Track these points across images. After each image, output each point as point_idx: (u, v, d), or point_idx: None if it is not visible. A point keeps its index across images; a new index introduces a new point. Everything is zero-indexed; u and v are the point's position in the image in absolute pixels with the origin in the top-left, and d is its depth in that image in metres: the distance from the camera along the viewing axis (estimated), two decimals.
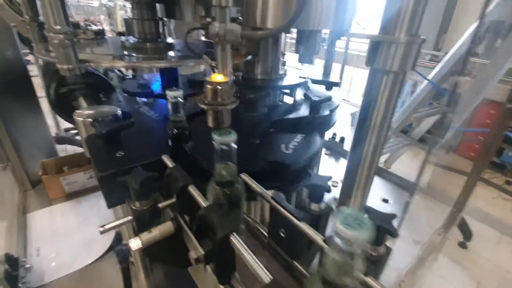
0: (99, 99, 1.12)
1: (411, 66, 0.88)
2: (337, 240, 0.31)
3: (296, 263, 0.56)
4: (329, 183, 1.45)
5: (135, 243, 0.48)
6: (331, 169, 1.58)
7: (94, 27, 1.23)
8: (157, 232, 0.51)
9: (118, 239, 1.09)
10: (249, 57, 0.90)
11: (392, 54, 0.86)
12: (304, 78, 1.09)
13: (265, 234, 0.61)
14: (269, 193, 0.56)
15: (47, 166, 1.44)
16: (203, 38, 1.32)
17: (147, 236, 0.50)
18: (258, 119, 0.83)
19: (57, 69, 1.10)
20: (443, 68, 1.96)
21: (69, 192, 1.42)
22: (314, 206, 0.59)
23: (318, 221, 0.57)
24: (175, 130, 0.70)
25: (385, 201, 1.33)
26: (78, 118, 0.84)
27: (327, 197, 0.84)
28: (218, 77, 0.47)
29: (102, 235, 0.55)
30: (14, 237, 1.12)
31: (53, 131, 1.98)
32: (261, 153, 0.74)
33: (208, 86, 0.47)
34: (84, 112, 0.87)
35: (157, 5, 0.91)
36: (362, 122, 1.04)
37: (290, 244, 0.56)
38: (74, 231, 1.21)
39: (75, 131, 2.01)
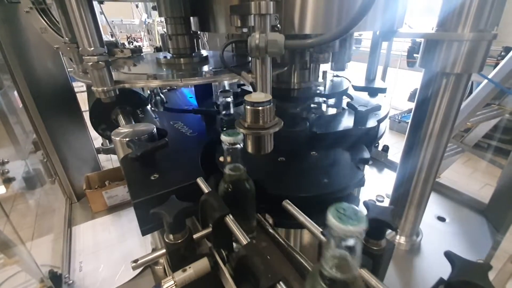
0: (137, 115, 1.13)
1: (479, 67, 0.75)
2: (332, 234, 0.29)
3: None
4: (373, 198, 1.32)
5: (169, 285, 0.44)
6: (374, 181, 1.44)
7: (131, 46, 1.25)
8: (192, 271, 0.46)
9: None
10: (285, 68, 0.84)
11: (454, 53, 0.74)
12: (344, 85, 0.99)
13: (308, 267, 0.53)
14: (319, 228, 0.48)
15: (91, 180, 1.50)
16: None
17: (181, 275, 0.45)
18: (298, 134, 0.75)
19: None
20: (507, 65, 1.71)
21: (110, 206, 1.46)
22: (372, 244, 0.50)
23: (378, 262, 0.48)
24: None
25: (441, 219, 1.17)
26: (115, 138, 0.84)
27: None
28: (258, 96, 0.41)
29: (141, 251, 0.52)
30: (59, 251, 1.16)
31: (97, 142, 2.09)
32: (303, 179, 0.67)
33: (248, 107, 0.41)
34: (121, 130, 0.87)
35: (191, 19, 0.88)
36: (415, 129, 0.92)
37: None
38: (114, 246, 1.23)
39: None
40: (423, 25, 0.88)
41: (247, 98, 0.41)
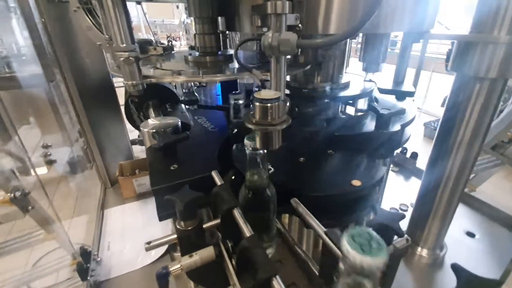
0: (166, 109, 1.20)
1: None
2: (347, 262, 0.26)
3: None
4: (396, 207, 1.26)
5: (174, 268, 0.47)
6: (399, 189, 1.38)
7: (169, 44, 1.32)
8: (197, 257, 0.49)
9: (173, 245, 1.13)
10: (308, 66, 0.84)
11: (489, 57, 0.69)
12: (369, 87, 0.96)
13: (315, 271, 0.53)
14: (323, 228, 0.48)
15: (124, 168, 1.62)
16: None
17: (187, 260, 0.48)
18: (315, 135, 0.75)
19: None
20: None
21: (139, 193, 1.56)
22: None
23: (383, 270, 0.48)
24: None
25: (470, 234, 1.09)
26: (143, 129, 0.90)
27: None
28: (267, 93, 0.42)
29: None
30: (92, 230, 1.27)
31: (133, 135, 2.24)
32: (317, 178, 0.67)
33: (257, 103, 0.42)
34: (149, 123, 0.93)
35: (219, 19, 0.92)
36: (444, 136, 0.87)
37: None
38: (139, 230, 1.31)
39: None
40: (462, 26, 0.83)
41: (256, 95, 0.42)
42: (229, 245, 0.52)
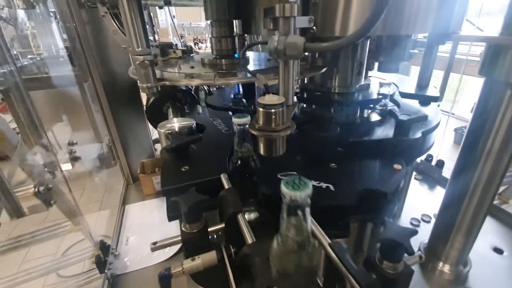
0: (184, 111, 1.23)
1: None
2: (285, 201, 0.34)
3: None
4: (418, 217, 1.20)
5: (177, 271, 0.48)
6: (423, 199, 1.31)
7: (196, 47, 1.35)
8: (200, 261, 0.49)
9: None
10: (324, 69, 0.82)
11: None
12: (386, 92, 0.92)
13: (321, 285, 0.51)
14: (328, 239, 0.47)
15: (145, 166, 1.67)
16: None
17: (189, 264, 0.49)
18: (328, 140, 0.73)
19: None
20: None
21: (158, 190, 1.61)
22: (387, 266, 0.46)
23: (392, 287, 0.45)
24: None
25: (498, 251, 1.01)
26: (159, 130, 0.93)
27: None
28: (271, 98, 0.42)
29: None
30: (113, 224, 1.33)
31: (154, 135, 2.32)
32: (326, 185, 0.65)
33: (260, 109, 0.42)
34: (166, 124, 0.96)
35: (235, 22, 0.92)
36: (471, 145, 0.81)
37: None
38: (156, 227, 1.35)
39: None
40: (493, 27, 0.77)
41: (260, 100, 0.42)
42: (232, 250, 0.52)
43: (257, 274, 0.39)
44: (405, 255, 0.56)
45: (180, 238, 0.54)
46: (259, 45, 2.07)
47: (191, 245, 0.53)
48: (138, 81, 0.69)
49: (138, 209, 1.49)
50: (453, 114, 4.03)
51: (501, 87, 0.69)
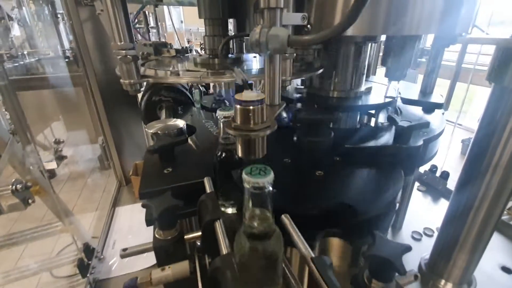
0: (177, 112, 1.19)
1: None
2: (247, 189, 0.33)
3: None
4: (420, 231, 1.13)
5: (144, 281, 0.43)
6: (425, 211, 1.24)
7: (202, 52, 1.31)
8: (169, 272, 0.44)
9: None
10: (320, 70, 0.77)
11: None
12: (391, 97, 0.87)
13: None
14: (310, 251, 0.42)
15: (139, 167, 1.63)
16: None
17: (158, 274, 0.44)
18: (319, 146, 0.68)
19: (150, 84, 1.22)
20: None
21: None
22: (376, 285, 0.40)
23: None
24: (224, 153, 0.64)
25: (507, 270, 0.94)
26: (147, 130, 0.89)
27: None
28: (249, 94, 0.37)
29: None
30: (101, 227, 1.29)
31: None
32: (314, 193, 0.60)
33: (237, 106, 0.38)
34: (154, 124, 0.92)
35: (230, 22, 0.89)
36: (478, 155, 0.75)
37: None
38: (146, 231, 1.30)
39: None
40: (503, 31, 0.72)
41: (237, 96, 0.37)
42: (207, 261, 0.47)
43: None
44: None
45: (151, 245, 0.50)
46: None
47: (162, 254, 0.48)
48: (121, 77, 0.65)
49: (128, 212, 1.44)
50: (460, 125, 3.94)
51: (511, 94, 0.64)
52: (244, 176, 0.33)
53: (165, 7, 3.88)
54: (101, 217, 1.55)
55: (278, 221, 0.51)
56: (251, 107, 0.37)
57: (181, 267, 0.45)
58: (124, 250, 0.50)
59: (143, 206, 0.48)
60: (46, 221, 1.57)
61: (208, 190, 0.57)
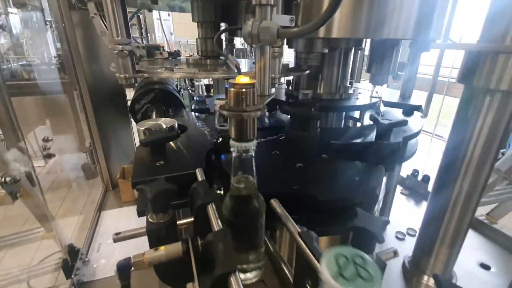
0: (167, 113, 1.21)
1: None
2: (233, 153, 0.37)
3: None
4: (403, 231, 1.17)
5: (137, 260, 0.44)
6: (409, 213, 1.29)
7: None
8: (163, 252, 0.45)
9: None
10: (307, 71, 0.82)
11: (501, 67, 0.64)
12: (375, 99, 0.93)
13: (291, 279, 0.48)
14: (298, 228, 0.44)
15: (126, 172, 1.62)
16: None
17: (151, 254, 0.45)
18: (308, 139, 0.72)
19: (140, 86, 1.24)
20: None
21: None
22: None
23: None
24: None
25: (485, 267, 0.98)
26: (139, 127, 0.90)
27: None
28: (242, 79, 0.41)
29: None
30: (86, 230, 1.26)
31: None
32: (301, 179, 0.63)
33: (231, 89, 0.41)
34: (146, 123, 0.93)
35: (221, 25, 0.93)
36: (451, 155, 0.81)
37: None
38: None
39: None
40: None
41: (231, 81, 0.40)
42: (199, 242, 0.48)
43: (217, 261, 0.36)
44: (381, 251, 0.54)
45: (144, 230, 0.51)
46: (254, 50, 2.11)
47: (155, 237, 0.49)
48: (116, 71, 0.67)
49: (114, 216, 1.42)
50: (442, 136, 4.14)
51: (480, 94, 0.70)
52: (231, 142, 0.41)
53: (155, 19, 3.94)
54: (85, 228, 1.51)
55: (268, 205, 0.53)
56: (243, 90, 0.40)
57: (174, 248, 0.46)
58: (117, 234, 0.50)
59: (137, 190, 0.49)
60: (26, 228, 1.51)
61: (199, 179, 0.59)
